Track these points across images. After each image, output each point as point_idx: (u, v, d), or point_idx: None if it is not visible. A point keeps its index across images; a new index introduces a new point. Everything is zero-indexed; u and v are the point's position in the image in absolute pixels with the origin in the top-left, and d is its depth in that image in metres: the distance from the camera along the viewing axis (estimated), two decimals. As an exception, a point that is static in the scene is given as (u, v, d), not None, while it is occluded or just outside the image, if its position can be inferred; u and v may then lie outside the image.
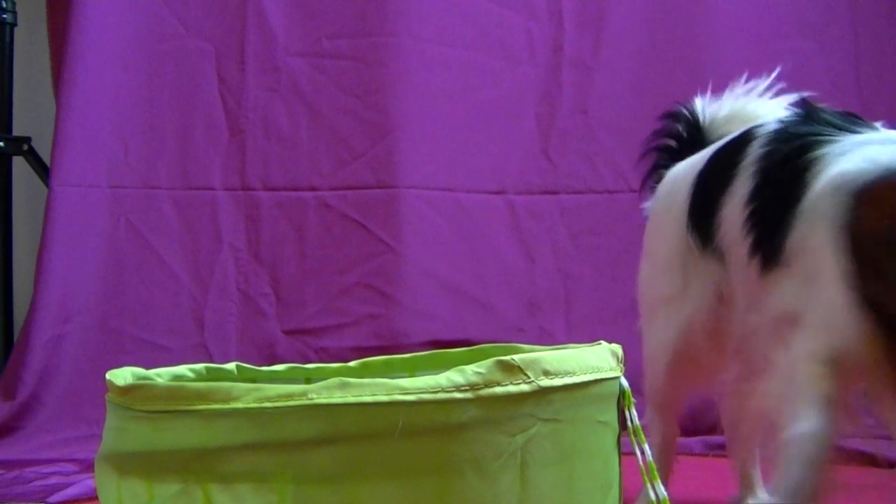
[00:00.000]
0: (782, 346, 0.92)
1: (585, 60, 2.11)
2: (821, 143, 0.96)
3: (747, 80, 1.27)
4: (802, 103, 1.07)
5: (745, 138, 1.07)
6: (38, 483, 1.49)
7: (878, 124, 0.99)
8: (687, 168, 1.19)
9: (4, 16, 2.07)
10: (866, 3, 2.15)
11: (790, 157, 0.98)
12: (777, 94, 1.24)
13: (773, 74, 1.25)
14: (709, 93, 1.29)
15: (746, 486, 1.22)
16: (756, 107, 1.24)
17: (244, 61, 2.04)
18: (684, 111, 1.29)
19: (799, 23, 2.10)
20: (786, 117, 1.06)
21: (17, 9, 2.10)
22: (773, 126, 1.04)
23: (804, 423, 0.86)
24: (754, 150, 1.03)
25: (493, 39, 2.10)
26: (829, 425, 0.86)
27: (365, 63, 2.05)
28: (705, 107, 1.28)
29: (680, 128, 1.29)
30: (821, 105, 1.05)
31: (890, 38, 2.14)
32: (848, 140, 0.95)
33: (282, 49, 2.04)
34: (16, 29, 2.10)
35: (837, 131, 0.96)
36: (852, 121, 0.98)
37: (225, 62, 2.04)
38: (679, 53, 2.10)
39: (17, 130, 2.09)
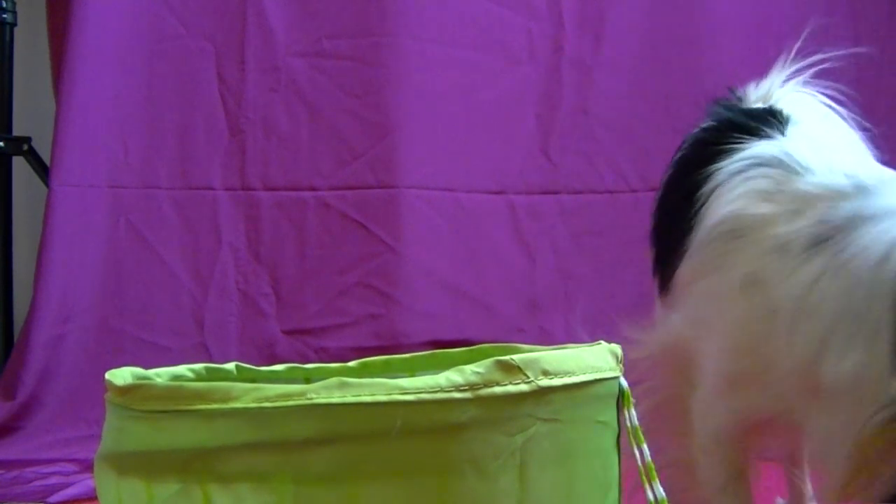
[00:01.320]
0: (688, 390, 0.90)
1: (585, 60, 2.11)
2: (720, 154, 0.91)
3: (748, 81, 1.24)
4: (722, 105, 1.04)
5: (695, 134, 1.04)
6: (38, 483, 1.49)
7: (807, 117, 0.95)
8: None
9: (4, 16, 2.07)
10: (866, 3, 2.15)
11: (688, 168, 0.94)
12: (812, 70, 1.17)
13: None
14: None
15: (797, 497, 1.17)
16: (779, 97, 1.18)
17: (244, 61, 2.04)
18: (734, 97, 1.21)
19: (799, 23, 2.09)
20: (703, 125, 1.02)
21: (17, 9, 2.10)
22: (697, 130, 1.01)
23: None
24: (681, 151, 1.01)
25: (493, 39, 2.10)
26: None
27: (365, 63, 2.05)
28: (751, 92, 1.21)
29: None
30: (738, 105, 1.02)
31: (890, 38, 2.14)
32: (746, 150, 0.90)
33: (282, 49, 2.04)
34: (16, 29, 2.10)
35: (745, 136, 0.92)
36: (771, 122, 0.93)
37: (225, 62, 2.04)
38: (679, 53, 2.10)
39: (17, 130, 2.09)
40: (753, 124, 0.94)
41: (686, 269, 0.90)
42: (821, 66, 1.14)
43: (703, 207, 0.89)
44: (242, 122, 2.04)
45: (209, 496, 0.57)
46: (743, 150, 0.90)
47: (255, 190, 2.04)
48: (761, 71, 1.25)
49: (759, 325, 0.81)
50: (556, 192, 2.10)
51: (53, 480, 1.50)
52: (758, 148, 0.90)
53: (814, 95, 1.12)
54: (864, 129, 1.07)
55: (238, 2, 2.04)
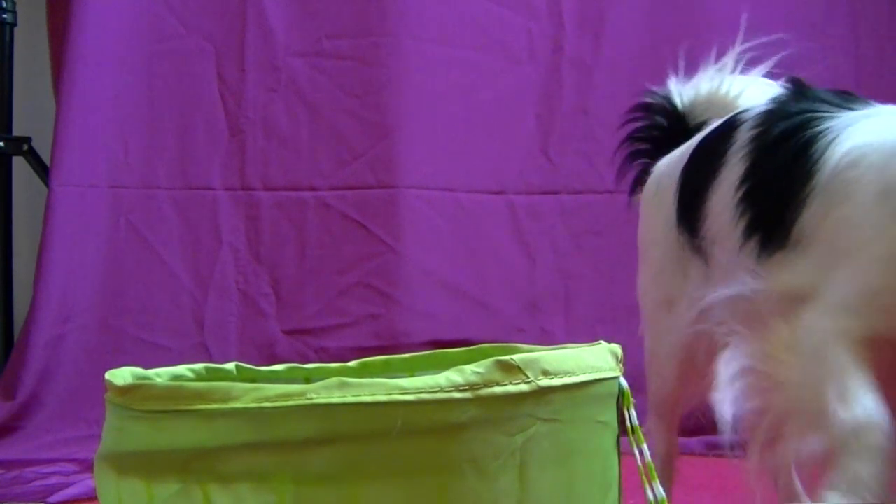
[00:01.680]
0: (791, 324, 0.83)
1: (585, 60, 2.11)
2: (819, 119, 0.91)
3: (717, 59, 1.22)
4: (794, 81, 1.03)
5: (732, 124, 1.03)
6: (38, 483, 1.49)
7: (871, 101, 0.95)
8: (673, 161, 1.14)
9: (4, 16, 2.07)
10: (866, 3, 2.15)
11: (787, 134, 0.93)
12: (748, 67, 1.18)
13: (740, 48, 1.19)
14: (680, 75, 1.23)
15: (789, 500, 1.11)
16: (733, 83, 1.19)
17: (244, 61, 2.04)
18: (660, 100, 1.23)
19: (799, 23, 2.10)
20: (777, 97, 1.01)
21: (17, 9, 2.10)
22: (763, 107, 1.00)
23: (858, 408, 0.75)
24: (743, 135, 0.99)
25: (493, 39, 2.10)
26: (885, 409, 0.75)
27: (365, 63, 2.05)
28: (681, 91, 1.23)
29: (658, 118, 1.24)
30: (811, 85, 1.02)
31: (890, 38, 2.14)
32: (847, 115, 0.91)
33: (282, 49, 2.05)
34: (16, 29, 2.10)
35: (833, 108, 0.92)
36: (846, 97, 0.94)
37: (225, 62, 2.04)
38: (679, 53, 2.10)
39: (17, 130, 2.09)
40: (835, 98, 0.94)
41: (812, 211, 0.87)
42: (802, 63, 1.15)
43: (822, 157, 0.88)
44: (242, 122, 2.04)
45: (209, 496, 0.57)
46: (842, 115, 0.91)
47: (255, 190, 2.04)
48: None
49: None
50: (556, 192, 2.10)
51: (53, 480, 1.50)
52: (861, 112, 0.91)
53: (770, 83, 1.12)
54: None
55: (238, 2, 2.04)
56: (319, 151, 2.04)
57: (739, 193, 0.96)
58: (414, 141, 2.05)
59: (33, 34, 2.14)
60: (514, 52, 2.10)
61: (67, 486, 1.45)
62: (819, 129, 0.90)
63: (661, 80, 2.09)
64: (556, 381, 0.62)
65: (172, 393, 0.58)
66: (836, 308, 0.82)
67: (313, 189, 2.04)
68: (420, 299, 2.01)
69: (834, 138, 0.89)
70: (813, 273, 0.85)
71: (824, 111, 0.92)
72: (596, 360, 0.66)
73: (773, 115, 0.97)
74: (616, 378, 0.68)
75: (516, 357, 0.60)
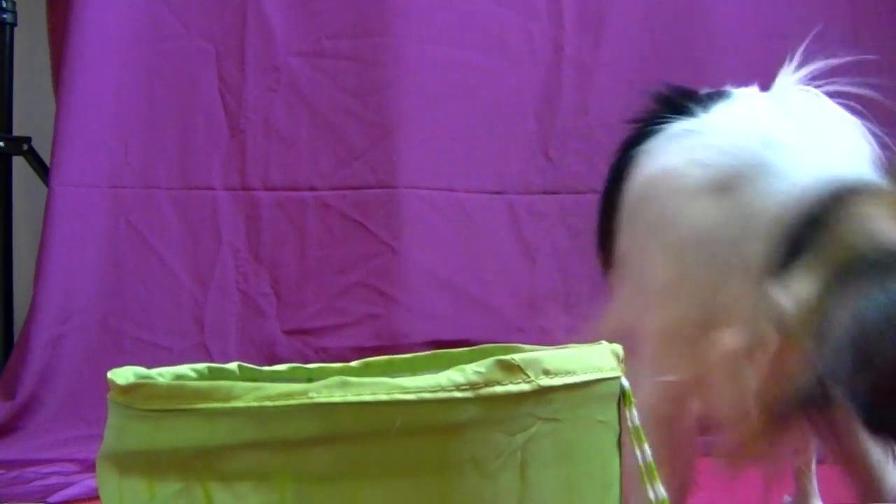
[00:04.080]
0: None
1: (585, 60, 2.11)
2: (648, 134, 0.94)
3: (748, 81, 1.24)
4: (667, 90, 1.05)
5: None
6: (38, 483, 1.49)
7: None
8: None
9: (4, 16, 2.07)
10: (866, 3, 2.15)
11: (625, 148, 0.97)
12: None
13: None
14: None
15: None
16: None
17: (244, 61, 2.04)
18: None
19: (799, 23, 2.10)
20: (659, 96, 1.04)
21: (17, 9, 2.10)
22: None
23: None
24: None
25: (493, 39, 2.10)
26: None
27: (365, 63, 2.05)
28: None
29: None
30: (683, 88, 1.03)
31: (890, 38, 2.14)
32: (671, 128, 0.92)
33: (282, 49, 2.05)
34: (16, 29, 2.10)
35: (674, 116, 0.94)
36: (704, 102, 0.95)
37: (225, 62, 2.04)
38: (679, 53, 2.10)
39: (17, 130, 2.09)
40: (688, 104, 0.96)
41: (620, 241, 0.93)
42: (821, 68, 1.14)
43: (625, 183, 0.93)
44: (242, 122, 2.04)
45: (210, 495, 0.57)
46: (669, 127, 0.93)
47: (255, 190, 2.04)
48: (761, 71, 1.25)
49: (673, 263, 0.86)
50: (556, 192, 2.10)
51: (53, 480, 1.50)
52: (681, 125, 0.93)
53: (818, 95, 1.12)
54: (875, 136, 1.07)
55: (238, 2, 2.04)
56: (319, 151, 2.04)
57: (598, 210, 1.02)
58: (414, 141, 2.05)
59: (33, 34, 2.14)
60: (514, 52, 2.10)
61: (67, 486, 1.45)
62: (641, 147, 0.94)
63: (662, 81, 2.09)
64: (557, 381, 0.62)
65: (174, 392, 0.59)
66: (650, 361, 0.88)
67: (313, 189, 2.04)
68: (420, 299, 2.01)
69: (639, 160, 0.93)
70: (629, 307, 0.93)
71: (660, 122, 0.94)
72: (597, 359, 0.66)
73: (635, 126, 1.00)
74: (618, 378, 0.68)
75: (517, 356, 0.60)
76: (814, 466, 1.16)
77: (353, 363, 0.83)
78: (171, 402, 0.58)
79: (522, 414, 0.60)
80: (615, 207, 0.94)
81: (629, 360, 0.82)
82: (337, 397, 0.57)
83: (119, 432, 0.61)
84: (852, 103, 1.02)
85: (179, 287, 2.00)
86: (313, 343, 1.98)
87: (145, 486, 0.59)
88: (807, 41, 1.11)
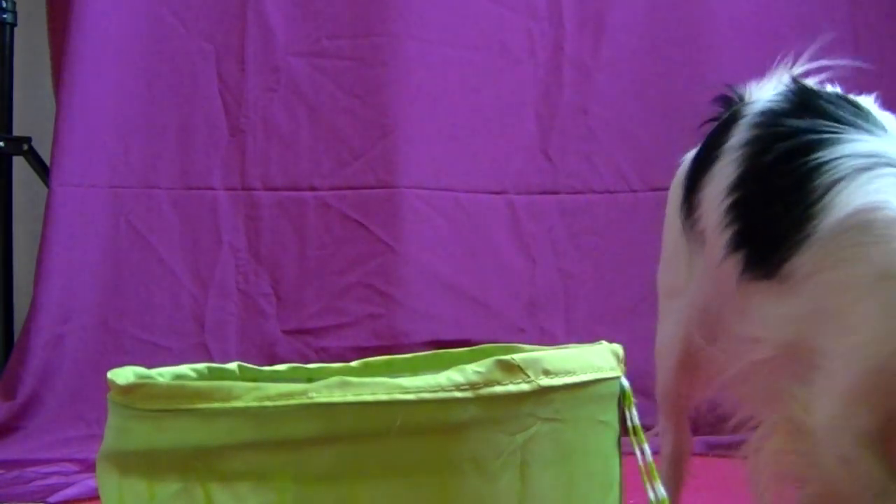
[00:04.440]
0: (801, 389, 0.86)
1: (585, 60, 2.11)
2: (822, 144, 0.89)
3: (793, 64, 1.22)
4: (793, 83, 1.01)
5: (732, 117, 1.02)
6: (38, 483, 1.49)
7: (875, 110, 0.93)
8: (691, 155, 1.14)
9: (4, 16, 2.07)
10: (866, 3, 2.15)
11: (787, 157, 0.91)
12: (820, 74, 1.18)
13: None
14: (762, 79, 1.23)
15: None
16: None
17: (244, 61, 2.04)
18: (734, 96, 1.20)
19: (799, 23, 2.10)
20: (774, 98, 1.00)
21: (17, 9, 2.10)
22: (760, 106, 0.99)
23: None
24: (739, 132, 0.98)
25: (493, 39, 2.10)
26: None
27: (365, 63, 2.05)
28: (753, 92, 1.24)
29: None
30: (813, 88, 1.01)
31: (890, 38, 2.14)
32: (853, 142, 0.88)
33: (282, 49, 2.05)
34: (16, 29, 2.10)
35: (839, 126, 0.90)
36: (853, 110, 0.92)
37: (225, 62, 2.04)
38: (679, 53, 2.10)
39: (17, 130, 2.09)
40: (840, 113, 0.92)
41: (807, 259, 0.87)
42: (821, 69, 1.12)
43: (826, 198, 0.87)
44: (242, 122, 2.04)
45: (210, 495, 0.57)
46: (849, 142, 0.89)
47: (255, 190, 2.04)
48: (761, 71, 1.25)
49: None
50: (556, 192, 2.10)
51: (53, 480, 1.50)
52: (872, 145, 0.89)
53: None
54: None
55: (238, 2, 2.04)
56: (319, 151, 2.04)
57: (730, 200, 0.95)
58: (414, 141, 2.05)
59: (33, 34, 2.14)
60: (514, 52, 2.10)
61: (67, 486, 1.45)
62: (823, 159, 0.88)
63: (661, 80, 2.10)
64: (557, 381, 0.62)
65: (174, 392, 0.59)
66: (840, 398, 0.84)
67: (313, 189, 2.04)
68: (420, 299, 2.01)
69: (840, 179, 0.87)
70: (805, 323, 0.87)
71: (828, 131, 0.90)
72: (597, 359, 0.66)
73: (770, 122, 0.95)
74: (617, 378, 0.68)
75: (517, 357, 0.60)
76: None
77: (354, 363, 0.83)
78: (171, 402, 0.58)
79: (523, 414, 0.60)
80: (795, 215, 0.88)
81: (804, 377, 0.82)
82: (337, 397, 0.57)
83: (119, 432, 0.61)
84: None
85: (179, 287, 2.00)
86: (313, 343, 1.98)
87: (145, 486, 0.59)
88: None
